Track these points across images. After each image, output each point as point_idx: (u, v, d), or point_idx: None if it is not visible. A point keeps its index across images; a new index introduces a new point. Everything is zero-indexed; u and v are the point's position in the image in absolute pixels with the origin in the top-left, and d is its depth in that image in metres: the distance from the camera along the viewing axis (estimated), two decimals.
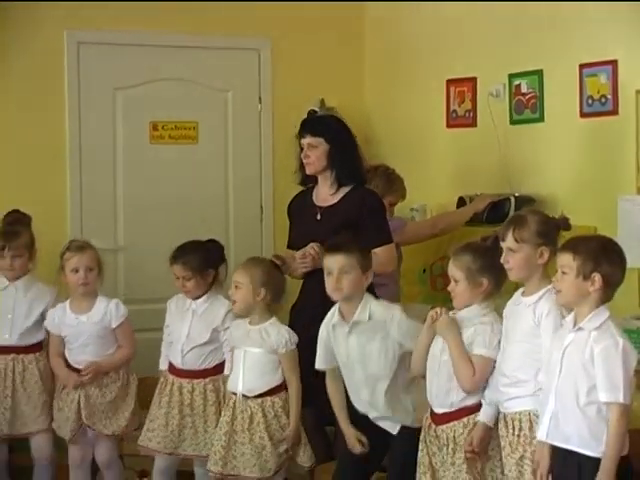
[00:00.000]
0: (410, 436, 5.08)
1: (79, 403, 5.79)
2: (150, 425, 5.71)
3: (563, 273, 4.34)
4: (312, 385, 5.43)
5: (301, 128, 5.98)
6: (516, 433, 4.61)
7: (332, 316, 5.19)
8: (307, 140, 5.85)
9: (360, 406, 5.21)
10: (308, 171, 5.89)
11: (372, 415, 5.20)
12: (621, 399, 4.18)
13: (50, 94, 6.99)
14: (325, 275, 5.11)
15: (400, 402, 5.12)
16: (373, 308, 5.09)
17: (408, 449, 5.07)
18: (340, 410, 5.25)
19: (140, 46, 7.16)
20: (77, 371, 5.81)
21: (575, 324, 4.33)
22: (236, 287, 5.41)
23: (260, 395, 5.37)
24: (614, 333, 4.27)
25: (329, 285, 5.09)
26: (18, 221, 6.09)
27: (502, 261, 4.67)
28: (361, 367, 5.06)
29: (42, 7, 6.86)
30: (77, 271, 5.77)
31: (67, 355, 5.86)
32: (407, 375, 5.10)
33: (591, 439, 4.23)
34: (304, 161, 5.88)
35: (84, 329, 5.81)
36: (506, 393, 4.62)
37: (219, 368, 5.68)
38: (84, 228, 6.97)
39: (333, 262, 5.08)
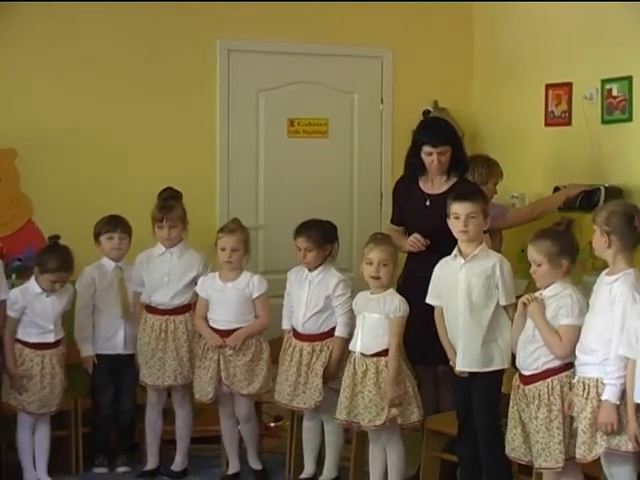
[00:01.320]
0: (492, 378, 5.18)
1: (219, 364, 5.87)
2: (278, 379, 5.87)
3: None
4: (428, 345, 5.52)
5: (429, 137, 5.97)
6: (584, 396, 4.62)
7: (450, 256, 5.27)
8: (438, 149, 5.89)
9: (453, 341, 5.25)
10: (436, 173, 5.95)
11: (461, 353, 5.19)
12: None
13: (204, 94, 7.08)
14: (452, 219, 5.23)
15: (484, 338, 5.16)
16: (490, 250, 5.25)
17: (489, 388, 5.18)
18: (446, 342, 5.30)
19: (280, 54, 7.21)
20: (218, 332, 5.92)
21: None
22: (383, 264, 5.49)
23: (375, 354, 5.43)
24: None
25: (457, 228, 5.21)
26: (172, 197, 6.17)
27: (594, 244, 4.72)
28: (465, 295, 5.14)
29: (199, 19, 6.95)
30: (224, 250, 5.91)
31: (210, 316, 5.96)
32: (498, 324, 5.15)
33: None
34: (432, 165, 5.92)
35: (229, 294, 5.92)
36: (580, 358, 4.66)
37: (333, 332, 5.81)
38: (230, 209, 7.05)
39: (461, 208, 5.20)
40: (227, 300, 5.93)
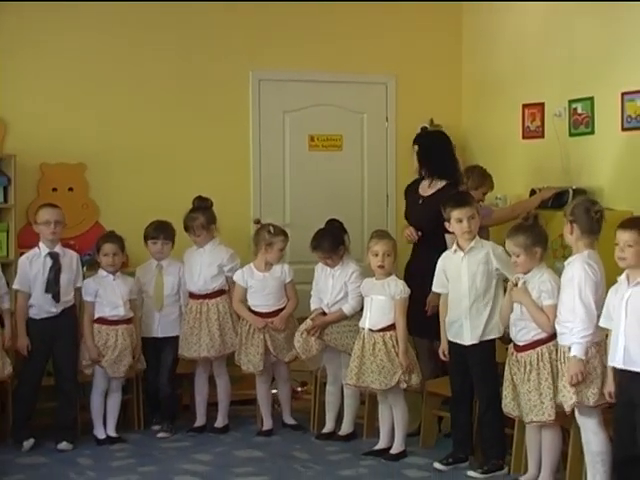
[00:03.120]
0: (488, 346, 5.19)
1: (266, 341, 5.93)
2: None
3: (629, 246, 4.33)
4: (426, 322, 5.57)
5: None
6: (562, 361, 4.70)
7: (449, 250, 5.30)
8: (414, 148, 6.15)
9: (458, 321, 5.25)
10: (413, 170, 6.14)
11: (467, 330, 5.21)
12: None
13: (239, 115, 7.11)
14: (454, 223, 5.22)
15: (489, 314, 5.20)
16: (484, 242, 5.31)
17: (487, 356, 5.19)
18: (444, 323, 5.35)
19: (302, 81, 7.22)
20: (257, 314, 5.96)
21: (630, 282, 4.37)
22: (387, 255, 5.51)
23: (381, 329, 5.48)
24: None
25: (461, 229, 5.21)
26: (197, 207, 6.16)
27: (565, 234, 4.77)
28: (471, 282, 5.17)
29: (235, 56, 7.01)
30: (282, 250, 6.02)
31: (251, 302, 6.00)
32: (497, 299, 5.16)
33: None
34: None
35: (269, 282, 5.98)
36: (558, 329, 4.73)
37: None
38: (262, 210, 7.09)
39: (463, 213, 5.20)
40: (268, 287, 5.98)
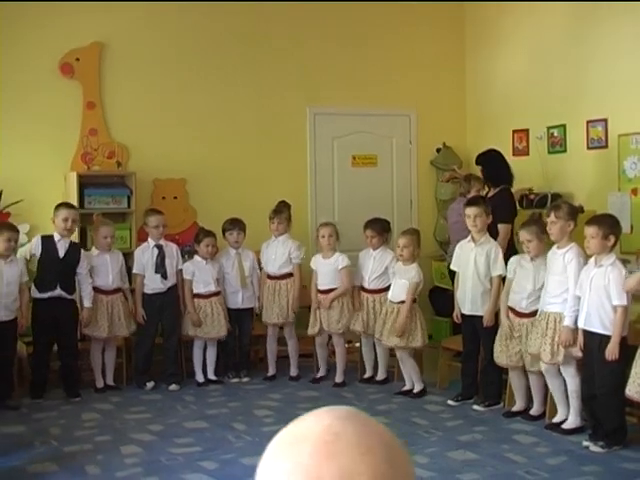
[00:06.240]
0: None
1: (321, 318, 6.00)
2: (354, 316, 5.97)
3: (592, 237, 4.37)
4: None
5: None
6: (550, 326, 4.75)
7: (465, 240, 5.39)
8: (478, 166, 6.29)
9: (463, 295, 5.32)
10: None
11: (468, 302, 5.27)
12: (624, 302, 4.35)
13: (299, 141, 7.17)
14: (466, 219, 5.26)
15: (486, 293, 5.27)
16: (489, 237, 5.35)
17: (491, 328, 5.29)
18: (456, 297, 5.43)
19: (346, 115, 7.24)
20: (321, 292, 5.98)
21: (596, 263, 4.45)
22: (405, 247, 5.58)
23: (399, 302, 5.58)
24: (620, 267, 4.42)
25: (470, 224, 5.24)
26: (282, 205, 6.23)
27: (547, 229, 4.83)
28: (474, 267, 5.26)
29: (295, 95, 7.07)
30: (324, 237, 5.97)
31: (318, 283, 6.00)
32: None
33: (609, 326, 4.38)
34: None
35: (330, 268, 6.00)
36: (547, 300, 4.81)
37: (388, 287, 5.83)
38: (317, 212, 7.16)
39: (471, 211, 5.24)
40: (330, 272, 5.96)
